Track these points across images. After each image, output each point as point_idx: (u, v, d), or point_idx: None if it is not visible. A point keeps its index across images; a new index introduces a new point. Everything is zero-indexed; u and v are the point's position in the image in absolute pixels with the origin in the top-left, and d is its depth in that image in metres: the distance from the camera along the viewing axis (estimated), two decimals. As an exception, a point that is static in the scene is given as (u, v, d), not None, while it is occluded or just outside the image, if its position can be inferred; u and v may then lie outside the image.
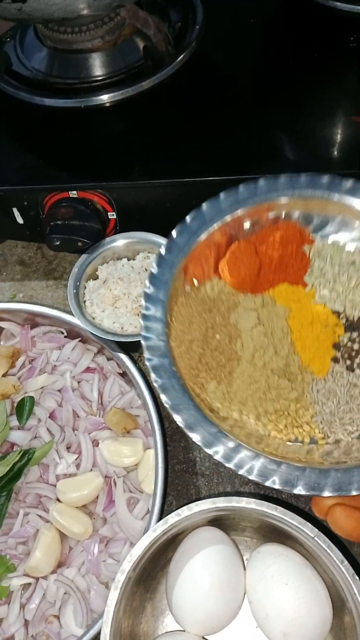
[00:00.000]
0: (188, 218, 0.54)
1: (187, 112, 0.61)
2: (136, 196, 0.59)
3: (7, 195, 0.59)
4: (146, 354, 0.47)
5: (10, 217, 0.62)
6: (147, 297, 0.50)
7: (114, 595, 0.42)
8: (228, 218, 0.54)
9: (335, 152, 0.57)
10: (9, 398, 0.59)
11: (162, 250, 0.52)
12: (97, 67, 0.64)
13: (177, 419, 0.45)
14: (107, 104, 0.62)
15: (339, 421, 0.48)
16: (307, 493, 0.42)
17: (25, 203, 0.60)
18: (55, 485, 0.53)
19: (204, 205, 0.54)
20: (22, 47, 0.69)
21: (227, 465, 0.43)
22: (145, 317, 0.49)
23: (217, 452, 0.44)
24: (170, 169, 0.56)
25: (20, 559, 0.52)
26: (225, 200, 0.55)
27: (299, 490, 0.42)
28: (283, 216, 0.56)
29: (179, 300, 0.51)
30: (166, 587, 0.48)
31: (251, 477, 0.42)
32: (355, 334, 0.52)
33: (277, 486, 0.42)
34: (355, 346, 0.51)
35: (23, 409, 0.58)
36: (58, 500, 0.53)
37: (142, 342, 0.48)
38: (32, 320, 0.63)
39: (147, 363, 0.47)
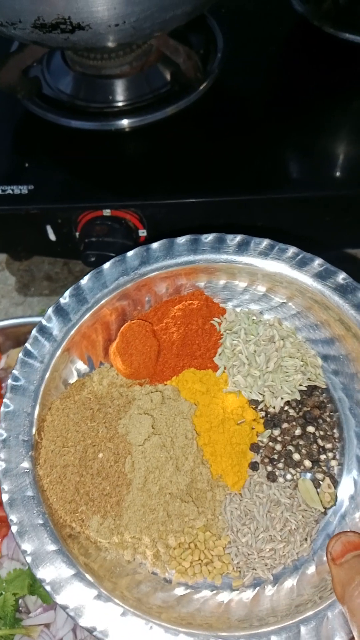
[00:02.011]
0: (66, 296, 0.44)
1: (212, 136, 0.64)
2: (166, 214, 0.61)
3: (43, 213, 0.60)
4: (2, 486, 0.37)
5: (43, 234, 0.63)
6: (6, 414, 0.39)
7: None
8: (115, 294, 0.44)
9: (350, 172, 0.60)
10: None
11: (28, 346, 0.41)
12: (124, 92, 0.67)
13: (41, 577, 0.35)
14: (135, 128, 0.65)
15: (257, 554, 0.38)
16: None
17: (59, 221, 0.61)
18: None
19: (84, 280, 0.44)
20: (49, 71, 0.71)
21: (106, 643, 0.33)
22: (2, 439, 0.38)
23: (95, 627, 0.33)
24: (198, 189, 0.59)
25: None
26: (111, 271, 0.44)
27: None
28: (185, 285, 0.46)
29: (53, 406, 0.41)
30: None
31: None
32: (276, 431, 0.42)
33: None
34: (278, 447, 0.42)
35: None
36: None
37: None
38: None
39: (2, 498, 0.36)
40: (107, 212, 0.60)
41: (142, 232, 0.62)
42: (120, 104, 0.66)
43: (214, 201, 0.59)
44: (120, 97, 0.66)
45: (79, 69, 0.68)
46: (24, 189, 0.59)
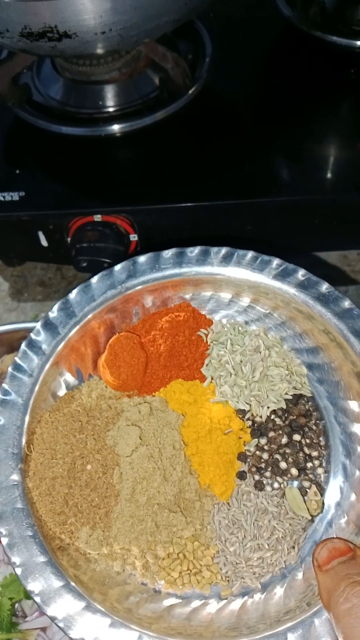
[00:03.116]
0: (54, 310, 0.45)
1: (201, 141, 0.65)
2: (157, 219, 0.61)
3: (34, 219, 0.61)
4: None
5: (35, 240, 0.63)
6: (-6, 427, 0.39)
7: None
8: (103, 307, 0.45)
9: (337, 176, 0.61)
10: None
11: (18, 360, 0.42)
12: (113, 98, 0.67)
13: (31, 589, 0.35)
14: (125, 133, 0.65)
15: (245, 562, 0.38)
16: None
17: (51, 227, 0.61)
18: None
19: (72, 294, 0.45)
20: (39, 77, 0.71)
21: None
22: (-8, 454, 0.39)
23: (84, 639, 0.34)
24: (188, 193, 0.59)
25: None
26: (98, 285, 0.45)
27: None
28: (172, 298, 0.47)
29: (43, 419, 0.41)
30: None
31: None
32: (263, 440, 0.43)
33: None
34: (265, 456, 0.42)
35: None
36: None
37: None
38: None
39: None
40: (98, 218, 0.60)
41: (134, 237, 0.62)
42: (110, 110, 0.67)
43: (204, 205, 0.60)
44: (109, 103, 0.67)
45: (69, 75, 0.68)
46: (15, 196, 0.60)
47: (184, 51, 0.72)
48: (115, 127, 0.65)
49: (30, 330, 0.58)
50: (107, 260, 0.60)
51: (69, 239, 0.61)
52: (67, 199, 0.61)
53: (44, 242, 0.63)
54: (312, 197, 0.60)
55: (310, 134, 0.64)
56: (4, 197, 0.59)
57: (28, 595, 0.48)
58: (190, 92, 0.67)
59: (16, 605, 0.49)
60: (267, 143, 0.64)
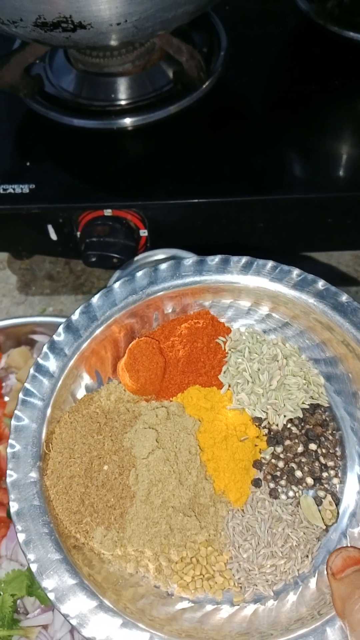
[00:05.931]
0: (77, 313, 0.45)
1: (214, 136, 0.64)
2: (168, 214, 0.60)
3: (44, 212, 0.60)
4: (10, 495, 0.38)
5: (44, 234, 0.63)
6: (17, 427, 0.40)
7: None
8: (124, 312, 0.45)
9: (354, 173, 0.60)
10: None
11: (40, 360, 0.43)
12: (126, 91, 0.66)
13: (45, 586, 0.35)
14: (137, 127, 0.64)
15: (258, 569, 0.38)
16: None
17: (60, 220, 0.61)
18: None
19: (95, 299, 0.46)
20: (51, 69, 0.70)
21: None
22: (12, 451, 0.39)
23: (95, 637, 0.34)
24: (200, 189, 0.59)
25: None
26: (120, 290, 0.46)
27: None
28: (191, 305, 0.48)
29: (62, 420, 0.42)
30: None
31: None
32: (279, 449, 0.43)
33: None
34: (280, 464, 0.42)
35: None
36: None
37: (7, 480, 0.38)
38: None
39: (10, 507, 0.38)
40: (108, 212, 0.59)
41: (144, 232, 0.62)
42: (122, 103, 0.66)
43: (216, 202, 0.59)
44: (122, 96, 0.66)
45: (82, 66, 0.67)
46: (25, 188, 0.59)
47: (199, 44, 0.71)
48: (128, 121, 0.64)
49: (38, 324, 0.59)
50: (117, 256, 0.60)
51: (78, 233, 0.61)
52: (78, 193, 0.60)
53: (54, 236, 0.62)
54: (326, 195, 0.59)
55: (326, 130, 0.63)
56: (14, 189, 0.59)
57: (30, 592, 0.49)
58: (204, 85, 0.66)
59: (18, 601, 0.49)
60: (282, 139, 0.63)
